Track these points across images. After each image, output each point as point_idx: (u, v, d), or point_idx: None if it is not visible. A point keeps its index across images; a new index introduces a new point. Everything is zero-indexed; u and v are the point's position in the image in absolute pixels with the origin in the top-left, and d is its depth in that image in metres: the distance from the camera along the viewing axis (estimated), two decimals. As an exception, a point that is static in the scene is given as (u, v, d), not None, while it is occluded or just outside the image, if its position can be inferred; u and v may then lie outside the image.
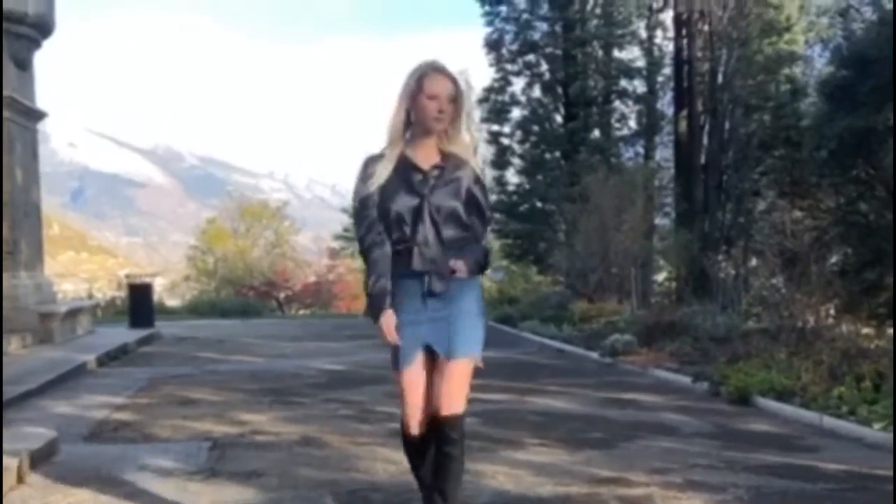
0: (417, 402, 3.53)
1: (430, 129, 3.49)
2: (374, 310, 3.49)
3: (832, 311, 11.43)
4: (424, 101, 3.44)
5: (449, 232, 3.47)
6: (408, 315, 3.47)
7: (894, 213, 10.99)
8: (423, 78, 3.46)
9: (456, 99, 3.47)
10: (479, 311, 3.57)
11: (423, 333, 3.48)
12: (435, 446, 3.55)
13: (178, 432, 6.87)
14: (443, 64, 3.53)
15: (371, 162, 3.55)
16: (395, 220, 3.45)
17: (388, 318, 3.46)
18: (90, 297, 28.06)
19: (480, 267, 3.58)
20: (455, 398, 3.49)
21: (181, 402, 8.44)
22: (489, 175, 29.86)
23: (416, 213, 3.45)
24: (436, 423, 3.51)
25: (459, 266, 3.47)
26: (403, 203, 3.45)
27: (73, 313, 14.96)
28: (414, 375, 3.51)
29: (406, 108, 3.50)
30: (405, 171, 3.49)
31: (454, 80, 3.50)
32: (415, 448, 3.65)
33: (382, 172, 3.48)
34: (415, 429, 3.57)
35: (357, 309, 32.10)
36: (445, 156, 3.53)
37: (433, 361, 3.52)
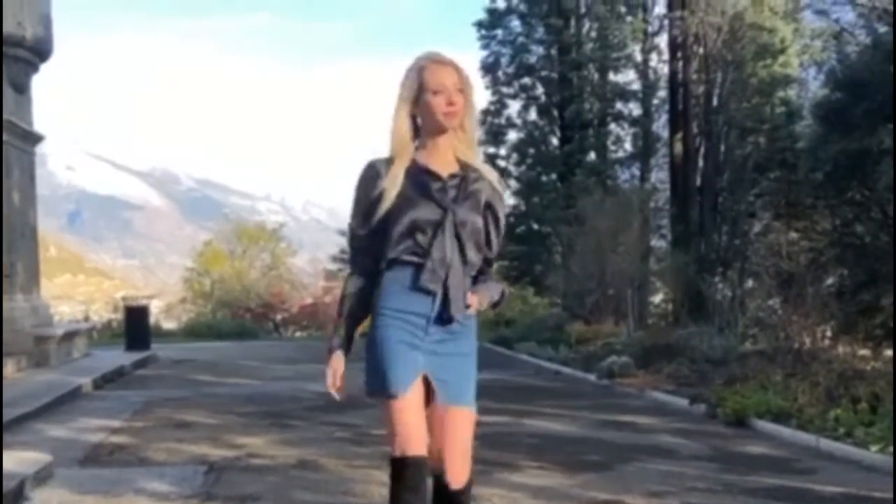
0: (418, 421, 2.89)
1: (443, 127, 2.92)
2: (328, 346, 3.05)
3: (828, 333, 11.45)
4: (430, 98, 2.89)
5: (471, 253, 2.93)
6: (405, 335, 2.89)
7: (893, 235, 11.01)
8: (423, 72, 2.93)
9: (463, 89, 2.92)
10: (476, 352, 3.05)
11: (422, 362, 2.90)
12: None
13: (173, 456, 6.85)
14: (441, 53, 3.02)
15: (373, 171, 2.95)
16: (408, 229, 2.87)
17: (335, 362, 3.02)
18: (86, 319, 28.00)
19: (494, 305, 3.08)
20: (466, 464, 2.96)
21: (177, 426, 8.41)
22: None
23: (437, 226, 2.86)
24: (443, 494, 2.95)
25: (474, 301, 2.93)
26: (422, 213, 2.87)
27: (69, 336, 14.92)
28: (410, 398, 2.88)
29: (410, 113, 2.95)
30: (419, 177, 2.91)
31: (458, 69, 2.95)
32: (412, 478, 2.85)
33: (392, 187, 2.88)
34: (415, 448, 2.85)
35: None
36: (463, 165, 2.97)
37: (426, 398, 2.94)
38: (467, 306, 2.92)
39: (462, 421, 2.94)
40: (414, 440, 2.87)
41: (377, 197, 2.90)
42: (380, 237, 2.92)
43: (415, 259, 2.89)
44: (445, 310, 2.88)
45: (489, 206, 2.97)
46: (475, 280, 2.99)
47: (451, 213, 2.88)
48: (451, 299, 2.88)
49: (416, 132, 2.97)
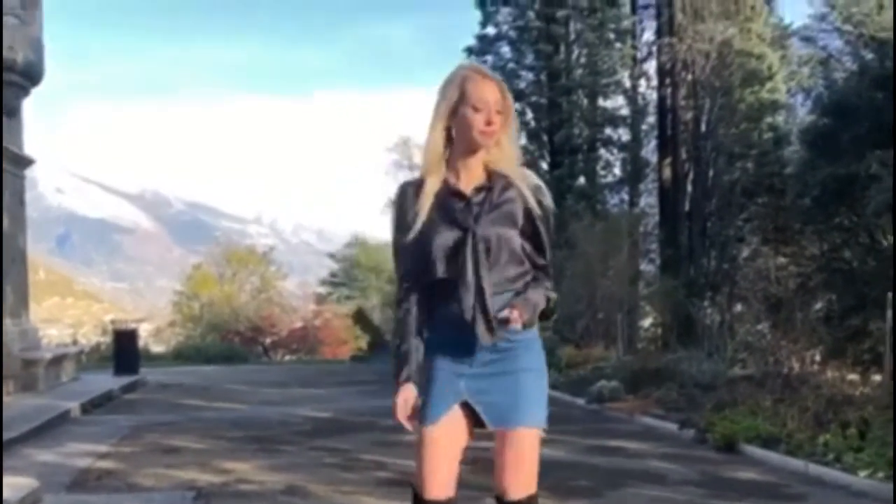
0: (439, 460, 2.77)
1: (478, 145, 2.78)
2: (394, 378, 2.84)
3: (817, 358, 11.48)
4: (469, 113, 2.75)
5: (501, 269, 2.76)
6: (444, 362, 2.78)
7: (894, 256, 11.06)
8: (466, 83, 2.77)
9: (502, 110, 2.79)
10: (541, 368, 2.90)
11: (462, 388, 2.76)
12: None
13: (161, 481, 6.82)
14: (485, 67, 2.94)
15: (405, 197, 2.85)
16: (434, 259, 2.74)
17: (405, 394, 2.79)
18: (75, 342, 27.87)
19: (543, 314, 2.85)
20: (526, 475, 2.82)
21: (165, 451, 8.38)
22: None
23: (457, 249, 2.73)
24: None
25: (514, 316, 2.69)
26: (443, 239, 2.74)
27: (57, 360, 14.86)
28: (438, 431, 2.76)
29: (445, 127, 2.79)
30: (445, 200, 2.78)
31: (501, 87, 2.82)
32: None
33: (422, 211, 2.77)
34: (432, 492, 2.77)
35: (343, 355, 31.99)
36: (492, 175, 2.82)
37: (470, 422, 2.81)
38: (505, 321, 2.69)
39: (517, 442, 2.79)
40: (432, 482, 2.77)
41: (409, 224, 2.79)
42: (419, 264, 2.80)
43: (445, 288, 2.76)
44: (477, 335, 2.72)
45: (529, 214, 2.80)
46: (524, 291, 2.81)
47: (471, 233, 2.73)
48: (476, 320, 2.71)
49: (450, 143, 2.82)
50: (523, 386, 2.80)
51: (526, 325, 2.75)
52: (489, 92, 2.77)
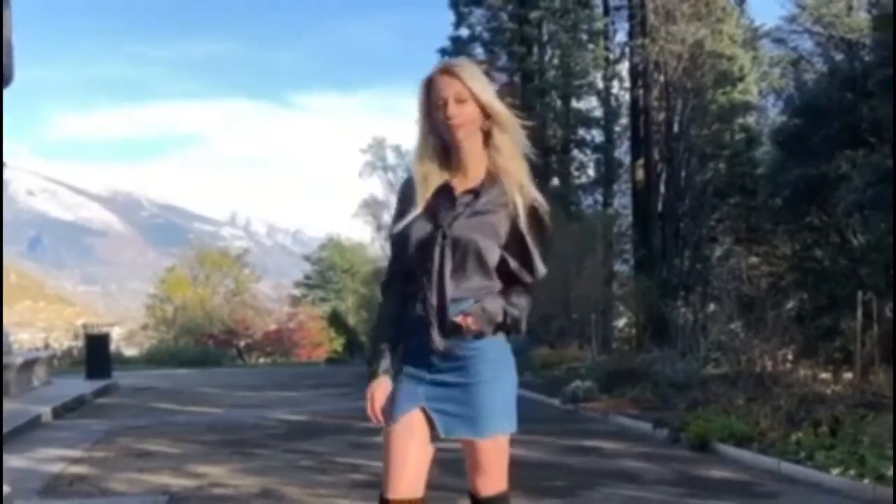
0: (401, 458, 2.70)
1: (450, 142, 2.68)
2: (369, 368, 2.78)
3: (789, 356, 11.57)
4: (434, 113, 2.67)
5: (466, 276, 2.65)
6: (410, 368, 2.71)
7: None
8: (428, 85, 2.71)
9: (473, 97, 2.66)
10: (502, 377, 2.75)
11: (421, 393, 2.69)
12: None
13: (134, 486, 6.76)
14: (454, 61, 2.78)
15: (408, 187, 2.77)
16: (410, 253, 2.67)
17: (377, 386, 2.71)
18: (46, 346, 27.64)
19: (506, 328, 2.72)
20: (494, 476, 2.80)
21: (138, 455, 8.31)
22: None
23: (428, 245, 2.64)
24: None
25: (467, 321, 2.62)
26: (419, 232, 2.66)
27: (28, 364, 14.71)
28: (401, 430, 2.69)
29: (428, 131, 2.73)
30: (438, 196, 2.70)
31: (461, 77, 2.67)
32: None
33: (418, 204, 2.69)
34: (394, 491, 2.69)
35: (318, 357, 31.92)
36: (488, 180, 2.70)
37: (431, 426, 2.72)
38: (457, 327, 2.60)
39: (480, 452, 2.74)
40: (394, 480, 2.70)
41: (404, 214, 2.72)
42: (400, 253, 2.74)
43: (416, 287, 2.67)
44: (430, 340, 2.63)
45: (515, 228, 2.67)
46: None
47: (441, 232, 2.62)
48: (432, 324, 2.61)
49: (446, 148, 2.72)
50: (479, 398, 2.68)
51: (479, 336, 2.64)
52: (445, 86, 2.65)
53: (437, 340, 2.61)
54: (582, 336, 17.63)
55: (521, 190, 2.69)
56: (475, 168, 2.71)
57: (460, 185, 2.69)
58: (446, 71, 2.69)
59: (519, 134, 2.75)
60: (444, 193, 2.68)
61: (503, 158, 2.70)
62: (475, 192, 2.67)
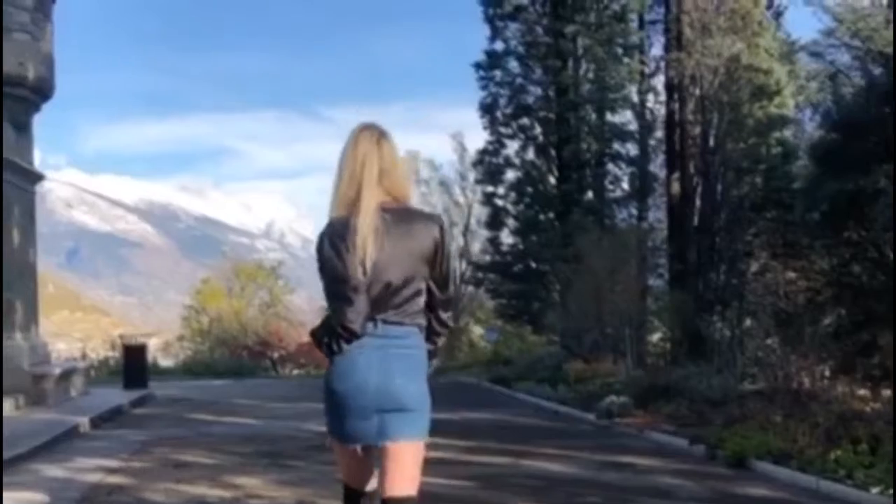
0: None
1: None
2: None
3: (826, 373, 11.45)
4: None
5: None
6: None
7: (895, 271, 11.03)
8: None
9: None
10: None
11: None
12: None
13: (171, 497, 6.83)
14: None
15: None
16: None
17: None
18: (83, 357, 27.93)
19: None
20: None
21: (175, 465, 8.39)
22: (483, 235, 30.03)
23: None
24: None
25: None
26: None
27: (66, 374, 14.90)
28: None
29: None
30: None
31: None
32: None
33: None
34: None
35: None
36: None
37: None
38: None
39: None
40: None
41: None
42: None
43: None
44: None
45: None
46: None
47: None
48: None
49: None
50: None
51: None
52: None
53: None
54: (616, 350, 17.53)
55: None
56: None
57: None
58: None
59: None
60: None
61: None
62: None
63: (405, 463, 3.12)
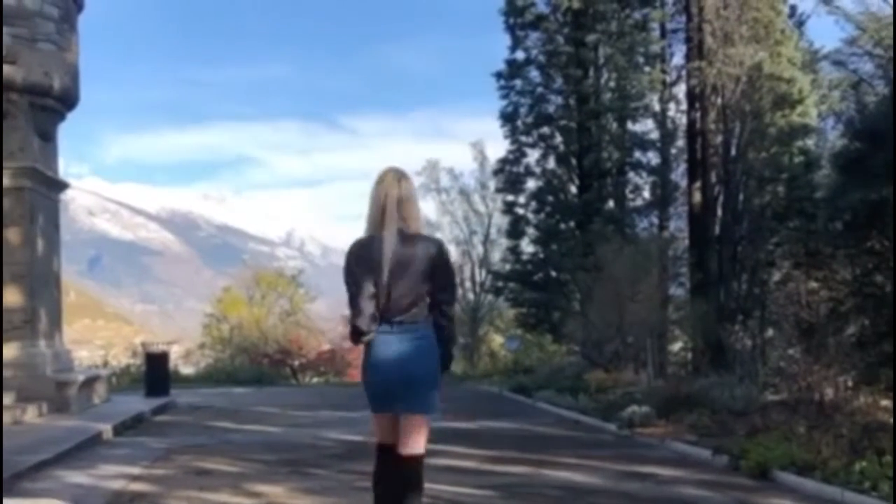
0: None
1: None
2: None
3: (850, 383, 11.36)
4: None
5: None
6: None
7: (893, 281, 10.95)
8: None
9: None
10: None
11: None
12: None
13: (194, 504, 6.86)
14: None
15: None
16: None
17: None
18: (105, 364, 28.08)
19: None
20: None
21: (197, 473, 8.42)
22: (504, 243, 30.00)
23: None
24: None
25: None
26: None
27: (89, 382, 14.99)
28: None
29: None
30: None
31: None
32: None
33: None
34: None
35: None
36: None
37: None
38: None
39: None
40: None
41: None
42: None
43: None
44: None
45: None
46: None
47: None
48: None
49: None
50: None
51: None
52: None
53: None
54: (637, 360, 17.48)
55: None
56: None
57: None
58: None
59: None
60: None
61: None
62: None
63: (415, 430, 4.37)
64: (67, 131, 16.21)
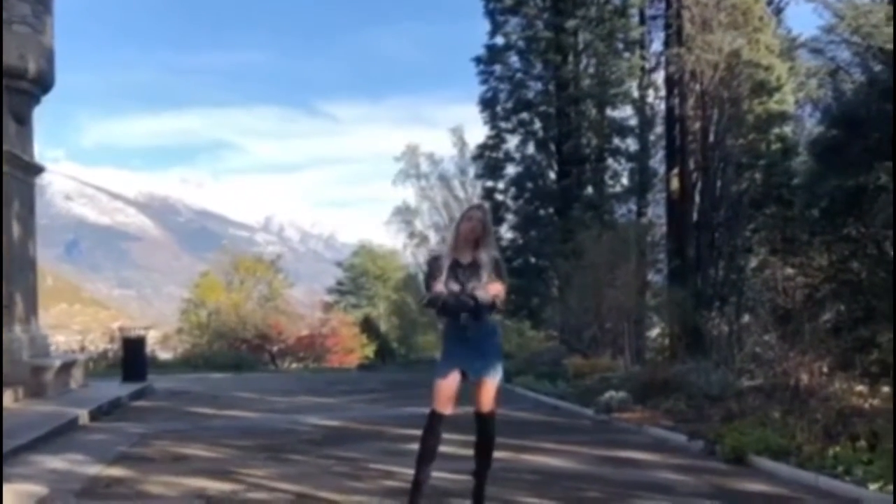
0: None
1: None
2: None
3: (825, 369, 11.44)
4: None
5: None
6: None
7: (894, 271, 11.03)
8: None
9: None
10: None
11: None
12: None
13: (170, 489, 6.83)
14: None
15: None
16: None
17: None
18: (82, 349, 27.94)
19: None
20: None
21: (174, 458, 8.40)
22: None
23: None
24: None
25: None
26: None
27: (66, 367, 14.89)
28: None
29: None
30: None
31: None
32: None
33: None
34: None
35: (350, 363, 32.00)
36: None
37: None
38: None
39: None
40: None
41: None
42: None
43: None
44: None
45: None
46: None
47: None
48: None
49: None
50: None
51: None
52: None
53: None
54: (614, 346, 17.55)
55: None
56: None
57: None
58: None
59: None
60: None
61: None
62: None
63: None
64: (43, 115, 16.05)
